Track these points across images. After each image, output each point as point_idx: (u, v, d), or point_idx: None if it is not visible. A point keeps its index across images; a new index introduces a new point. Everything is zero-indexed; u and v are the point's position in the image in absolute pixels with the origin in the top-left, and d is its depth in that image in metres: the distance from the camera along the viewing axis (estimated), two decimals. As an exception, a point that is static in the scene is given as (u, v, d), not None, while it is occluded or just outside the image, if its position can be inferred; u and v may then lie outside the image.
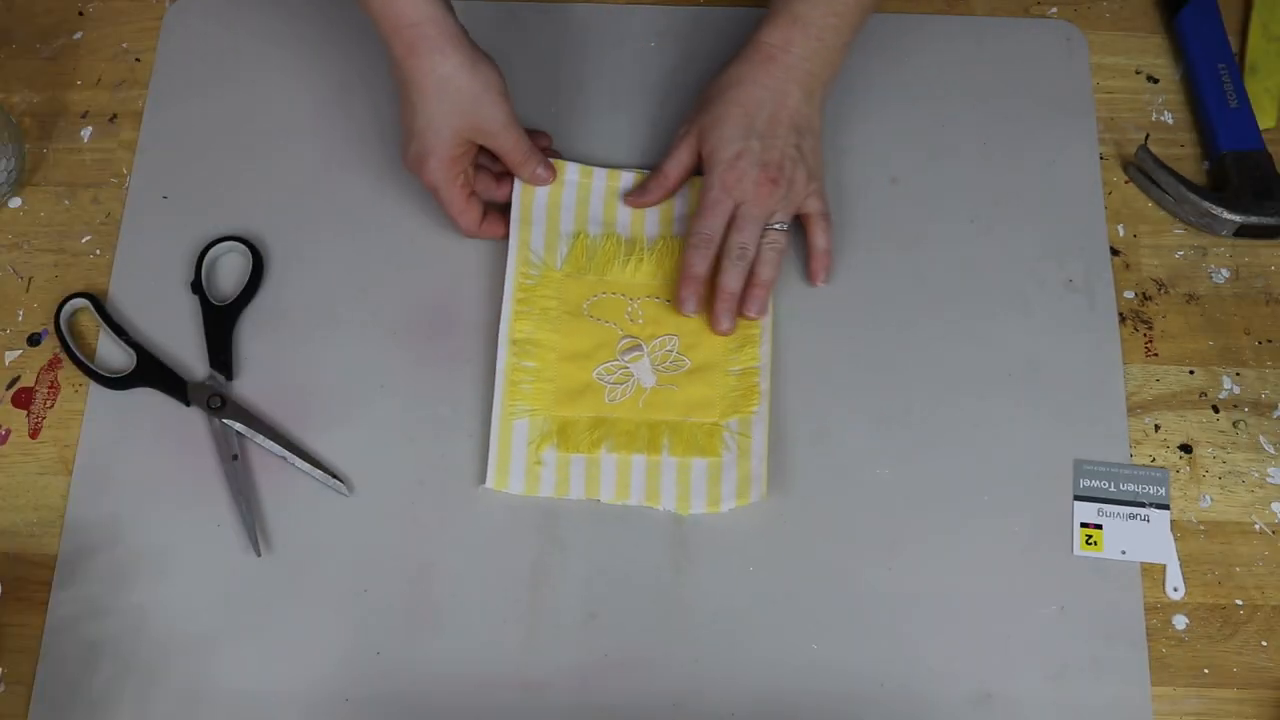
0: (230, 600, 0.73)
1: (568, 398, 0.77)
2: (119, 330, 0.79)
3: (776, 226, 0.78)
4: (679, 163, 0.80)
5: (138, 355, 0.78)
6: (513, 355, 0.77)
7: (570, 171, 0.82)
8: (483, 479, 0.75)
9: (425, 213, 0.82)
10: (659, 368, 0.78)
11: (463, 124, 0.75)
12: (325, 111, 0.86)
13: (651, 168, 0.83)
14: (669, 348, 0.79)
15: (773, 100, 0.78)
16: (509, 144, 0.77)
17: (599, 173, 0.83)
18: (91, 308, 0.79)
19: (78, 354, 0.78)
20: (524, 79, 0.88)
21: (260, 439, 0.75)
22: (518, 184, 0.81)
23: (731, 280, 0.77)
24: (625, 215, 0.82)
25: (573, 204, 0.82)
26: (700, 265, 0.77)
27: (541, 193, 0.81)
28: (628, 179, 0.83)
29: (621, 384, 0.78)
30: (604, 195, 0.82)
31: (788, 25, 0.78)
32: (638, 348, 0.78)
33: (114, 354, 0.79)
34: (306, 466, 0.75)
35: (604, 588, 0.73)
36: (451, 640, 0.72)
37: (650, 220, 0.82)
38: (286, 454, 0.75)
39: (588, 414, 0.77)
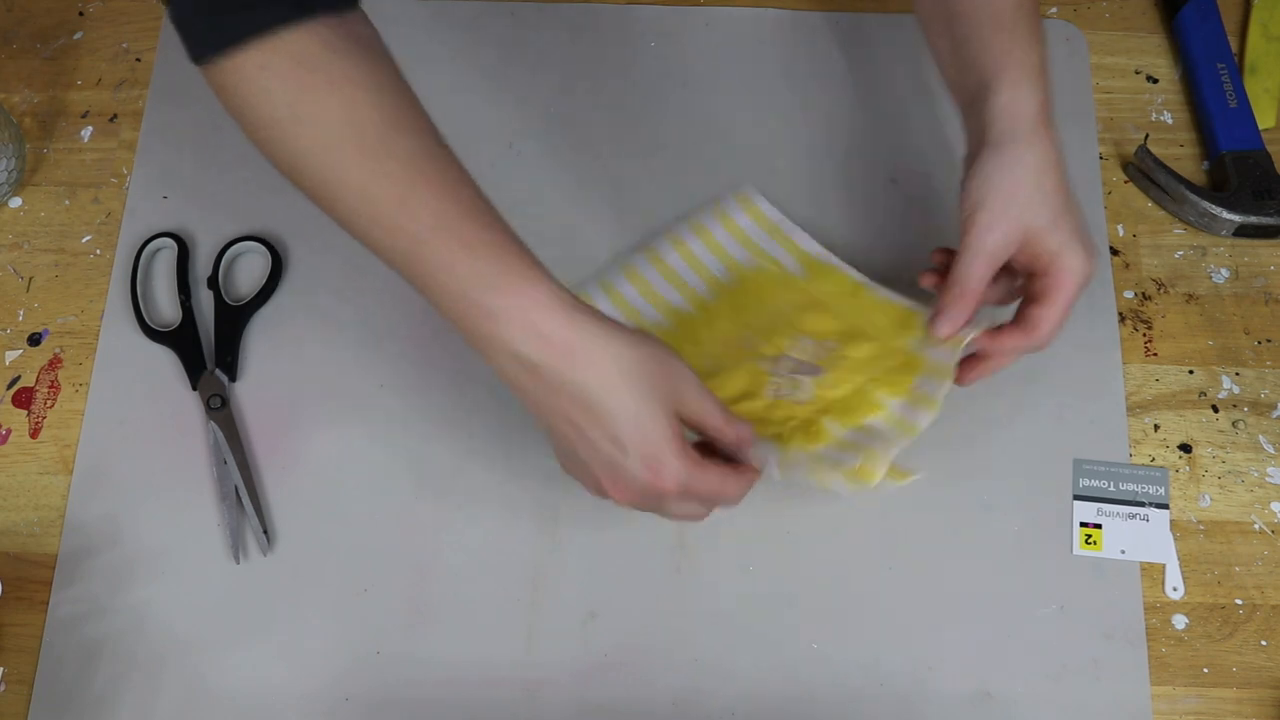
0: (230, 600, 0.73)
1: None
2: (184, 286, 0.80)
3: None
4: (985, 277, 0.68)
5: (184, 318, 0.79)
6: None
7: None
8: (484, 478, 0.75)
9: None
10: (814, 360, 0.74)
11: (669, 402, 0.61)
12: (325, 111, 0.86)
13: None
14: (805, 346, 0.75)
15: (1059, 174, 0.68)
16: (709, 408, 0.64)
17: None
18: (175, 253, 0.81)
19: (137, 293, 0.80)
20: (524, 79, 0.88)
21: (229, 460, 0.75)
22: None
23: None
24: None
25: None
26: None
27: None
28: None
29: (793, 390, 0.73)
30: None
31: (1030, 76, 0.68)
32: (781, 360, 0.74)
33: (165, 306, 0.81)
34: (248, 507, 0.74)
35: (604, 588, 0.73)
36: (451, 640, 0.72)
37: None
38: (239, 484, 0.75)
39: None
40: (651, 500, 0.62)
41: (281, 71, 0.58)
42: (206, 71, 0.60)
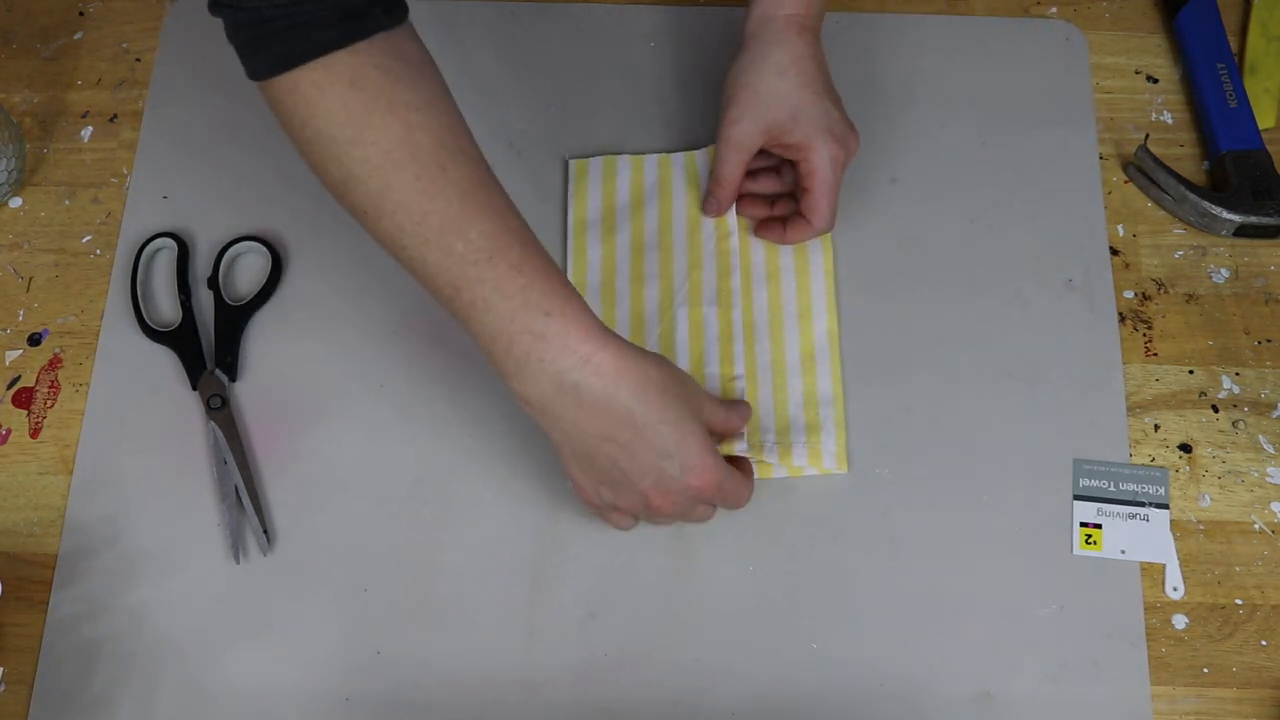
0: (230, 600, 0.73)
1: None
2: (184, 286, 0.80)
3: None
4: (738, 164, 0.78)
5: (184, 318, 0.79)
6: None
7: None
8: (484, 478, 0.75)
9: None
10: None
11: (698, 414, 0.66)
12: (325, 111, 0.86)
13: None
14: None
15: (818, 64, 0.76)
16: (718, 412, 0.69)
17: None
18: (175, 253, 0.81)
19: (137, 293, 0.80)
20: (524, 79, 0.88)
21: (229, 460, 0.75)
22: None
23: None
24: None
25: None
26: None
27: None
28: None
29: None
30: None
31: None
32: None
33: (165, 306, 0.81)
34: (248, 507, 0.74)
35: (604, 588, 0.73)
36: (452, 640, 0.72)
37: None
38: (239, 484, 0.75)
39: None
40: (690, 505, 0.67)
41: (338, 92, 0.60)
42: (263, 88, 0.61)
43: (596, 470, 0.65)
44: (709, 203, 0.81)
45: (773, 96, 0.76)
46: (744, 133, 0.77)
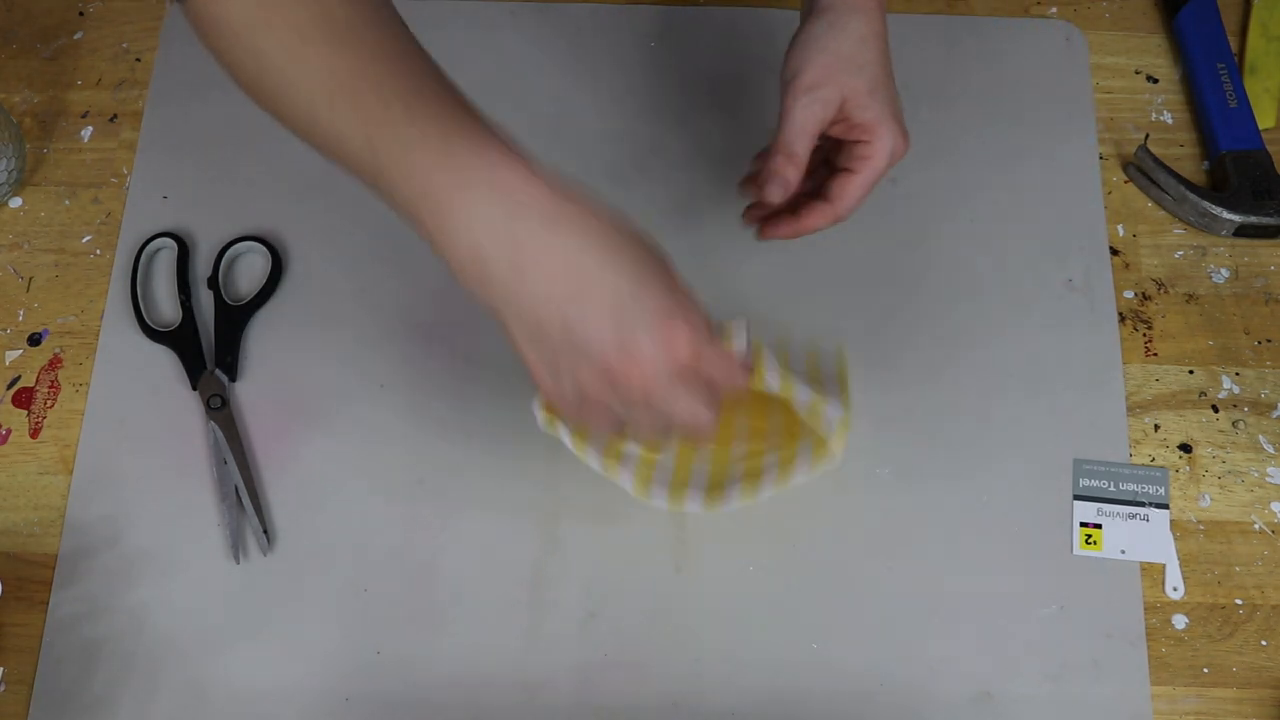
0: (230, 600, 0.73)
1: None
2: (184, 286, 0.80)
3: None
4: (811, 137, 0.69)
5: (184, 318, 0.79)
6: None
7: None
8: (484, 478, 0.76)
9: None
10: None
11: (666, 267, 0.58)
12: (325, 111, 0.86)
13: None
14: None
15: (883, 47, 0.69)
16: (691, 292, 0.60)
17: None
18: (175, 253, 0.81)
19: (137, 293, 0.80)
20: (524, 79, 0.88)
21: (229, 460, 0.75)
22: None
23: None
24: None
25: None
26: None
27: None
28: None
29: None
30: None
31: None
32: None
33: (165, 306, 0.81)
34: (248, 507, 0.74)
35: (604, 588, 0.73)
36: (452, 640, 0.72)
37: None
38: (239, 484, 0.75)
39: None
40: (668, 385, 0.57)
41: None
42: (185, 12, 0.58)
43: (549, 343, 0.56)
44: (773, 185, 0.69)
45: (855, 62, 0.68)
46: (819, 101, 0.67)
